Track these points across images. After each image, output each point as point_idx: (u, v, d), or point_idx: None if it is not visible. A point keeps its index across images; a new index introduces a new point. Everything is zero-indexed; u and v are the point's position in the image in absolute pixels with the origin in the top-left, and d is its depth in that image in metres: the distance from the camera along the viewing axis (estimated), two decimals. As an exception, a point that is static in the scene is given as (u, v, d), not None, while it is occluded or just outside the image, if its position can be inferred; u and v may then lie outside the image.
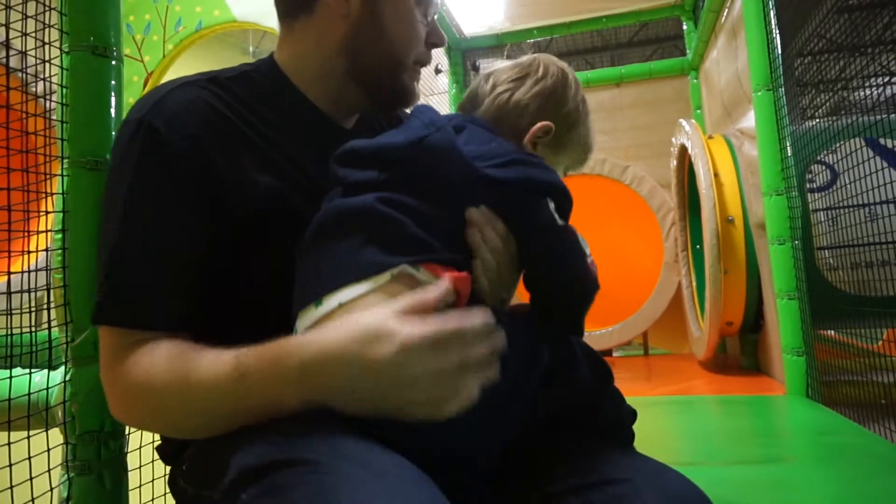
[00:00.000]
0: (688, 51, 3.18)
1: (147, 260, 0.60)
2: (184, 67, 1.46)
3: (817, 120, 1.84)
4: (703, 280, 2.40)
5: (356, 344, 0.48)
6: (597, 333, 3.04)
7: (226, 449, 0.50)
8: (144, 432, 0.98)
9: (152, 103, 0.63)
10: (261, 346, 0.52)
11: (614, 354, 3.36)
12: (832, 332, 1.92)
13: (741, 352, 2.54)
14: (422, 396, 0.48)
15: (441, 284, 0.51)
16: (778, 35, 1.90)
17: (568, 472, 0.54)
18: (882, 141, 1.78)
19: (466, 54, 3.53)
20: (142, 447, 0.97)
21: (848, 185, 1.70)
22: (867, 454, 1.26)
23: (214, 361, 0.54)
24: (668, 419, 1.71)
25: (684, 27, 3.25)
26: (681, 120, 2.64)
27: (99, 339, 0.64)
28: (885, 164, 1.46)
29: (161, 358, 0.57)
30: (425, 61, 0.75)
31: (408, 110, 0.73)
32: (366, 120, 0.80)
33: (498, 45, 3.46)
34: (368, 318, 0.49)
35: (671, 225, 2.97)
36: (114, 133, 0.90)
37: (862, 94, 1.67)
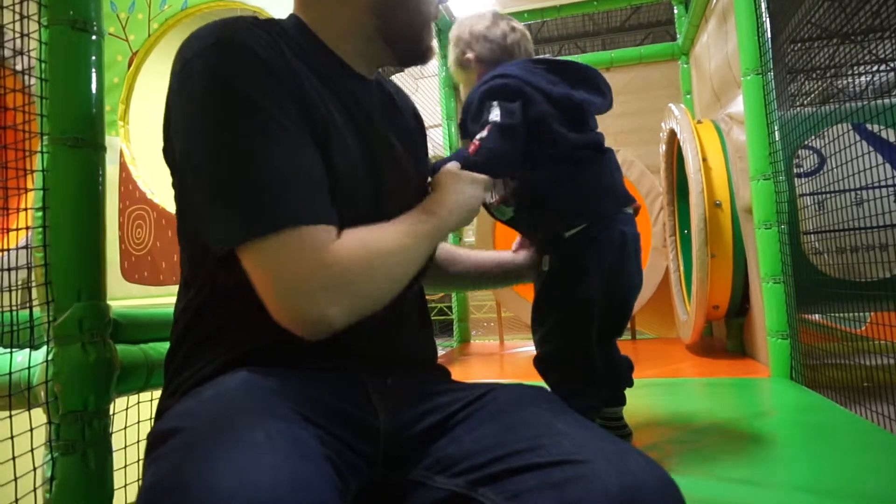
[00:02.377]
0: (678, 35, 3.17)
1: (300, 163, 0.61)
2: (170, 46, 1.44)
3: (807, 107, 1.85)
4: (691, 264, 2.42)
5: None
6: (585, 318, 3.05)
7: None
8: (129, 412, 0.97)
9: (221, 28, 0.63)
10: (423, 206, 0.74)
11: (602, 339, 3.38)
12: (817, 316, 1.94)
13: (727, 335, 2.56)
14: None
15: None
16: (767, 19, 1.89)
17: (527, 449, 0.54)
18: (868, 126, 1.79)
19: (456, 37, 3.50)
20: (127, 427, 0.97)
21: (834, 170, 1.71)
22: (849, 434, 1.28)
23: (403, 223, 0.70)
24: (655, 401, 1.73)
25: (675, 11, 3.24)
26: (670, 104, 2.64)
27: (264, 257, 0.59)
28: (870, 149, 1.47)
29: (361, 233, 0.64)
30: (437, 17, 0.82)
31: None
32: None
33: (488, 28, 3.43)
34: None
35: (660, 210, 2.98)
36: (94, 109, 0.88)
37: (849, 81, 1.67)
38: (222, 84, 0.60)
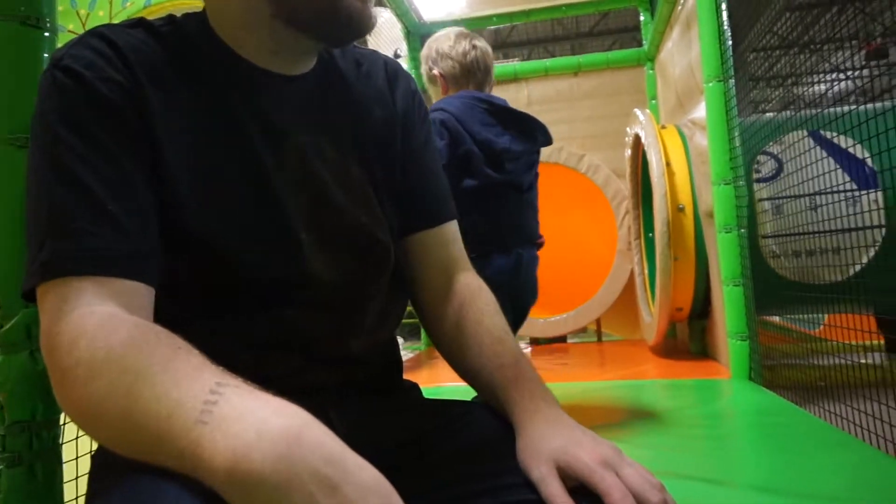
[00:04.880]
0: (644, 41, 3.23)
1: (94, 201, 0.52)
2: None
3: (766, 113, 1.90)
4: (655, 267, 2.46)
5: None
6: (552, 320, 3.08)
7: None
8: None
9: (67, 48, 0.57)
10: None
11: (569, 340, 3.41)
12: (777, 318, 1.99)
13: (689, 337, 2.61)
14: None
15: None
16: (728, 27, 1.94)
17: (523, 483, 0.52)
18: (822, 132, 1.85)
19: (425, 40, 3.49)
20: (79, 437, 0.94)
21: (792, 175, 1.76)
22: (804, 433, 1.31)
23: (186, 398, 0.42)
24: (618, 403, 1.75)
25: (641, 18, 3.30)
26: (635, 110, 2.68)
27: (42, 306, 0.51)
28: (825, 154, 1.52)
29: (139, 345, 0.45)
30: None
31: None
32: (322, 61, 0.69)
33: (457, 30, 3.44)
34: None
35: (625, 213, 3.03)
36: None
37: (807, 89, 1.72)
38: (39, 114, 0.55)
